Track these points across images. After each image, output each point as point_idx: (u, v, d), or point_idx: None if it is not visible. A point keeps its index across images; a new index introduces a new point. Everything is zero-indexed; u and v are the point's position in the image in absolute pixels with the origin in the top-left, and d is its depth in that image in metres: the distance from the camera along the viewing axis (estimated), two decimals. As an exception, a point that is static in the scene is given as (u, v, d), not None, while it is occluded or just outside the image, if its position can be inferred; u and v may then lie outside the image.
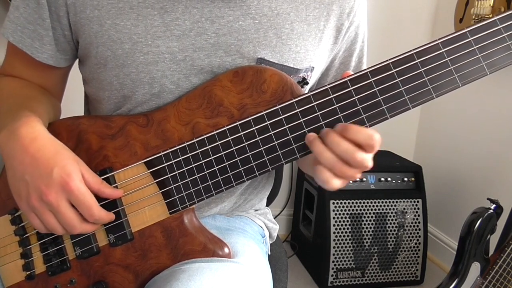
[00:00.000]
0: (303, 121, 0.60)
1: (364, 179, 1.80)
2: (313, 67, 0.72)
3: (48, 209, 0.58)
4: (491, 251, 1.28)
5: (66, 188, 0.57)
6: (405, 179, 1.85)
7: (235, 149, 0.62)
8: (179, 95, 0.67)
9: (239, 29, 0.65)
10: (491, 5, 1.58)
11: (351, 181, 1.94)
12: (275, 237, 0.92)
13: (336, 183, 0.57)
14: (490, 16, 1.58)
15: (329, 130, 0.57)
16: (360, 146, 0.56)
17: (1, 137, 0.61)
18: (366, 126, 0.59)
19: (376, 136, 0.55)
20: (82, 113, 0.84)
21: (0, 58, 0.77)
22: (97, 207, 0.60)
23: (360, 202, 1.78)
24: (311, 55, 0.70)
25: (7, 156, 0.60)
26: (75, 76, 0.78)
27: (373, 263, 1.81)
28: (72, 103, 0.93)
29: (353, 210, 1.77)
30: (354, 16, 0.73)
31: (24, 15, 0.67)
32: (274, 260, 0.91)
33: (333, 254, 1.76)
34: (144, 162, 0.64)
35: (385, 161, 1.92)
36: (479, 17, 1.62)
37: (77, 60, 0.75)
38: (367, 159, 0.56)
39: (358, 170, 0.57)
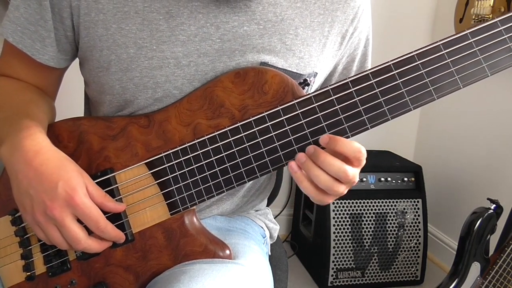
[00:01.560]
0: (304, 122, 0.60)
1: (364, 179, 1.80)
2: (317, 73, 0.71)
3: (53, 223, 0.58)
4: (491, 251, 1.28)
5: (71, 202, 0.57)
6: (405, 179, 1.85)
7: (236, 150, 0.62)
8: None
9: (244, 34, 0.65)
10: (491, 5, 1.58)
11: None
12: (276, 237, 0.92)
13: (330, 201, 0.61)
14: (490, 16, 1.57)
15: (317, 149, 0.58)
16: (347, 159, 0.57)
17: (4, 151, 0.61)
18: (367, 128, 0.60)
19: (363, 150, 0.57)
20: (81, 113, 0.84)
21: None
22: (103, 220, 0.59)
23: (360, 202, 1.78)
24: (315, 60, 0.70)
25: (10, 170, 0.60)
26: (75, 76, 0.78)
27: (373, 263, 1.81)
28: (72, 104, 0.93)
29: (353, 210, 1.77)
30: (358, 22, 0.73)
31: (25, 16, 0.66)
32: (274, 260, 0.91)
33: (333, 254, 1.76)
34: (145, 163, 0.64)
35: (385, 161, 1.92)
36: (479, 17, 1.62)
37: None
38: (357, 175, 0.58)
39: (348, 185, 0.59)
